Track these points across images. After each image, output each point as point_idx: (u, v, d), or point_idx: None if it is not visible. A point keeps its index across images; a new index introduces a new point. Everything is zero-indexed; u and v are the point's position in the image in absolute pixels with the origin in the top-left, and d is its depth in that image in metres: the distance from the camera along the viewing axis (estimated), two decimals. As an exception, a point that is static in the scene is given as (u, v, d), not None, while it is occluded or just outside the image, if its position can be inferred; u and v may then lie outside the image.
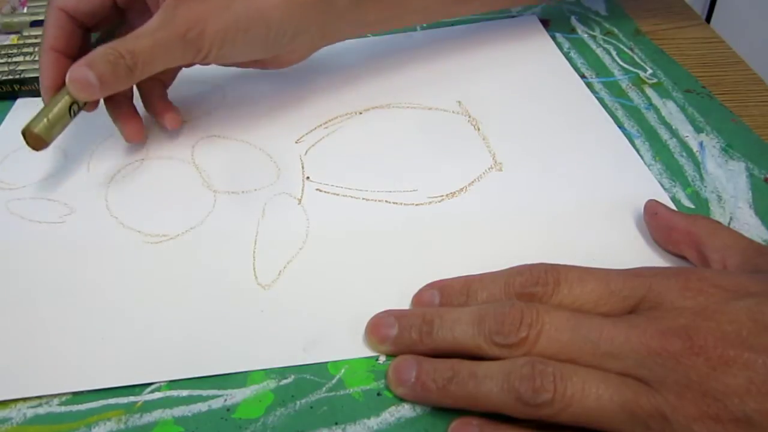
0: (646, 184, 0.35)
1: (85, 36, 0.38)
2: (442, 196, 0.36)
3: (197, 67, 0.47)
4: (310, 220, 0.35)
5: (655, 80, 0.43)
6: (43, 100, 0.36)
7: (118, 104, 0.39)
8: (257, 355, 0.28)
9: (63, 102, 0.35)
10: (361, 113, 0.42)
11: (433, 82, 0.44)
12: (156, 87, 0.41)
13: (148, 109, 0.41)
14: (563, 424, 0.23)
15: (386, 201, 0.36)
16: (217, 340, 0.29)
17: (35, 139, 0.35)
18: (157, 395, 0.27)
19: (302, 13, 0.37)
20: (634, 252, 0.32)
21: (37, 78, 0.44)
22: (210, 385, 0.27)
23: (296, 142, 0.40)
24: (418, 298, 0.29)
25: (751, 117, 0.40)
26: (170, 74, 0.42)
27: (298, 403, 0.26)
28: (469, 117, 0.41)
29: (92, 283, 0.32)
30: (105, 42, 0.35)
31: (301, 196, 0.36)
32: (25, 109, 0.44)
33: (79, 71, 0.34)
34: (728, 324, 0.22)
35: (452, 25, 0.50)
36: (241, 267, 0.32)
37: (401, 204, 0.35)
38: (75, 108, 0.36)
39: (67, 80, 0.34)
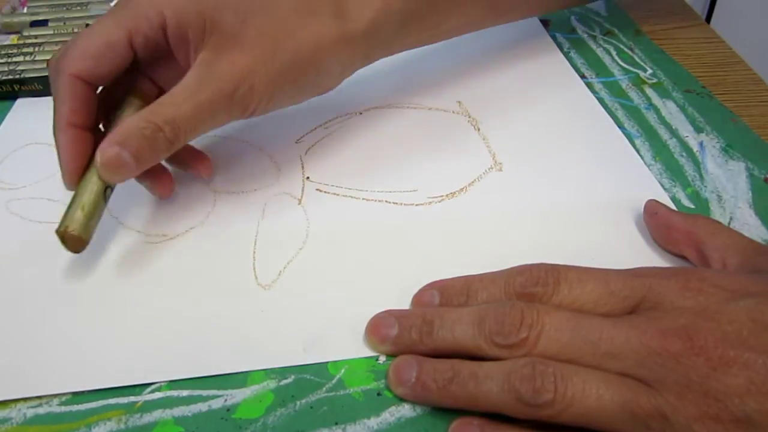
0: (646, 184, 0.35)
1: (97, 98, 0.32)
2: (442, 196, 0.36)
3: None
4: (310, 220, 0.35)
5: (655, 80, 0.43)
6: (65, 185, 0.31)
7: None
8: (257, 355, 0.28)
9: (95, 187, 0.30)
10: (361, 113, 0.42)
11: (433, 82, 0.44)
12: None
13: (172, 161, 0.36)
14: (564, 424, 0.23)
15: (386, 201, 0.36)
16: (217, 340, 0.29)
17: (74, 241, 0.30)
18: (157, 395, 0.27)
19: (351, 50, 0.34)
20: (634, 252, 0.32)
21: (37, 78, 0.45)
22: (210, 385, 0.27)
23: (296, 142, 0.40)
24: (418, 299, 0.29)
25: (751, 117, 0.40)
26: None
27: (298, 403, 0.26)
28: (469, 117, 0.41)
29: (92, 283, 0.32)
30: (120, 100, 0.32)
31: (301, 196, 0.36)
32: (25, 109, 0.44)
33: (111, 152, 0.29)
34: (728, 324, 0.22)
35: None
36: (241, 267, 0.32)
37: (401, 204, 0.35)
38: (109, 191, 0.31)
39: (98, 164, 0.29)
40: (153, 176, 0.34)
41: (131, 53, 0.31)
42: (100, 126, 0.34)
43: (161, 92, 0.34)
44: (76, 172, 0.31)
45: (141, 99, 0.33)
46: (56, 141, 0.31)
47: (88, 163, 0.31)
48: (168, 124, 0.29)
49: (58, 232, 0.30)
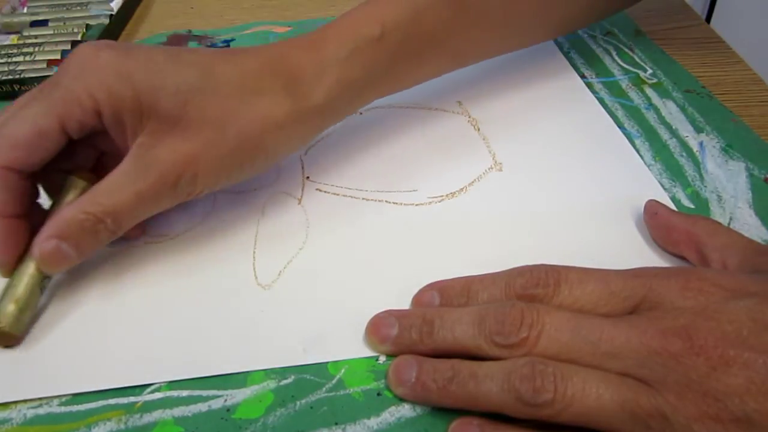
0: (646, 184, 0.35)
1: (33, 183, 0.31)
2: (442, 196, 0.36)
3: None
4: (310, 220, 0.35)
5: (655, 80, 0.43)
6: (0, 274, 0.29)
7: None
8: (257, 355, 0.28)
9: (31, 280, 0.28)
10: (361, 113, 0.42)
11: (433, 83, 0.44)
12: None
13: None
14: (563, 424, 0.23)
15: (386, 201, 0.36)
16: (217, 340, 0.29)
17: (5, 337, 0.28)
18: (157, 395, 0.27)
19: (304, 127, 0.32)
20: (634, 252, 0.32)
21: (37, 78, 0.45)
22: (210, 386, 0.27)
23: (296, 142, 0.40)
24: (418, 299, 0.29)
25: (751, 117, 0.40)
26: None
27: (298, 403, 0.26)
28: (469, 117, 0.41)
29: (92, 283, 0.32)
30: (60, 179, 0.30)
31: (301, 196, 0.36)
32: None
33: (50, 245, 0.28)
34: (728, 324, 0.22)
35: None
36: (241, 267, 0.32)
37: (401, 204, 0.35)
38: (46, 281, 0.29)
39: (36, 256, 0.28)
40: None
41: (65, 138, 0.29)
42: (43, 197, 0.32)
43: (108, 159, 0.32)
44: (11, 262, 0.29)
45: (83, 179, 0.31)
46: None
47: (24, 250, 0.29)
48: (109, 216, 0.28)
49: None
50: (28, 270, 0.28)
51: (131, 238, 0.33)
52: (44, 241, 0.28)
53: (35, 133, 0.28)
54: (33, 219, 0.30)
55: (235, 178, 0.32)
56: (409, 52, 0.35)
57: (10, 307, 0.28)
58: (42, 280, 0.29)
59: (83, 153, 0.32)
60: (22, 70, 0.45)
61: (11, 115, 0.29)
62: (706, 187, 0.35)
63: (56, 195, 0.31)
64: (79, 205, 0.28)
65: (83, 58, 0.29)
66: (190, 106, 0.29)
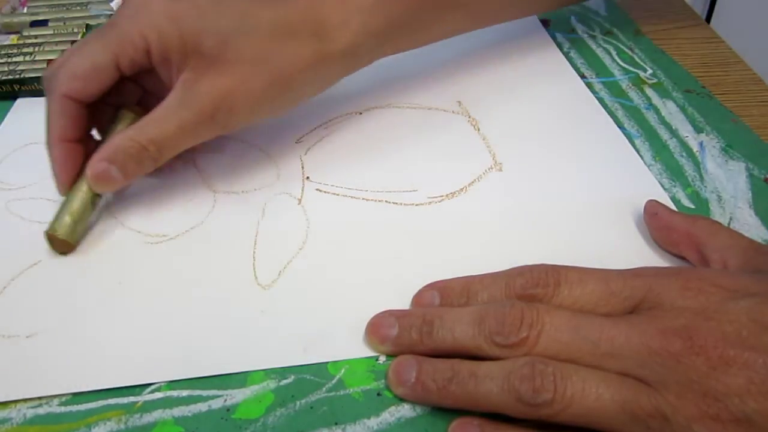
0: (646, 184, 0.35)
1: (90, 112, 0.34)
2: (442, 196, 0.36)
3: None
4: (310, 220, 0.35)
5: (655, 80, 0.43)
6: (59, 192, 0.34)
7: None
8: (257, 355, 0.28)
9: (85, 196, 0.33)
10: (361, 113, 0.42)
11: (433, 82, 0.44)
12: None
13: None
14: (563, 424, 0.23)
15: (386, 201, 0.36)
16: (217, 340, 0.29)
17: (61, 244, 0.33)
18: (157, 395, 0.27)
19: (329, 69, 0.36)
20: (634, 252, 0.32)
21: (37, 78, 0.44)
22: (210, 385, 0.27)
23: (296, 142, 0.40)
24: (418, 299, 0.29)
25: (751, 117, 0.40)
26: None
27: (298, 403, 0.26)
28: (469, 117, 0.41)
29: (92, 283, 0.32)
30: (113, 112, 0.34)
31: (301, 196, 0.36)
32: (25, 109, 0.44)
33: (100, 167, 0.32)
34: (728, 324, 0.22)
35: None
36: (241, 267, 0.32)
37: (401, 204, 0.35)
38: (97, 199, 0.34)
39: (88, 176, 0.32)
40: None
41: (118, 73, 0.33)
42: (94, 131, 0.36)
43: (150, 98, 0.36)
44: (68, 182, 0.33)
45: (133, 112, 0.34)
46: (49, 154, 0.33)
47: (79, 171, 0.33)
48: (152, 144, 0.32)
49: (46, 233, 0.32)
50: (82, 189, 0.33)
51: (176, 169, 0.38)
52: (96, 163, 0.32)
53: (92, 67, 0.32)
54: (88, 146, 0.34)
55: (265, 113, 0.35)
56: (430, 8, 0.38)
57: (66, 219, 0.32)
58: (93, 198, 0.33)
59: (130, 90, 0.36)
60: (22, 70, 0.45)
61: (74, 51, 0.33)
62: (706, 187, 0.35)
63: (108, 125, 0.35)
64: (127, 134, 0.32)
65: (137, 2, 0.33)
66: (229, 46, 0.32)
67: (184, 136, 0.33)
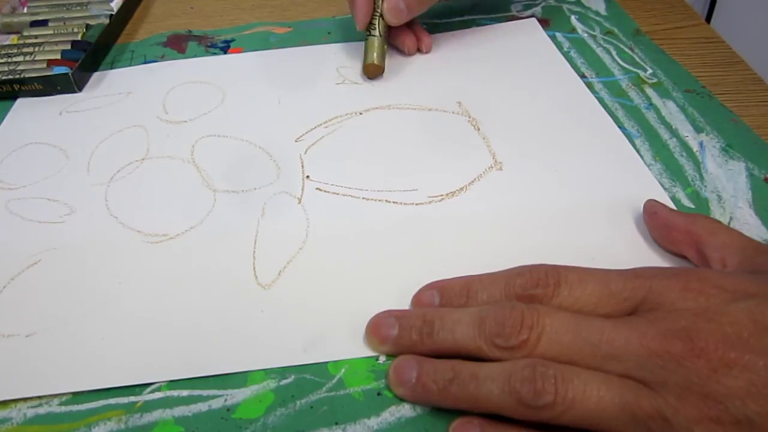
0: (646, 184, 0.35)
1: None
2: (442, 195, 0.36)
3: (197, 66, 0.47)
4: (310, 219, 0.35)
5: (655, 80, 0.43)
6: (357, 27, 0.44)
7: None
8: (257, 355, 0.28)
9: (381, 31, 0.43)
10: (361, 113, 0.42)
11: (433, 83, 0.44)
12: None
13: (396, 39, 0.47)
14: (564, 425, 0.23)
15: (386, 201, 0.36)
16: (217, 340, 0.29)
17: (375, 69, 0.44)
18: (157, 395, 0.27)
19: None
20: (634, 252, 0.32)
21: (37, 78, 0.44)
22: (210, 385, 0.27)
23: (296, 141, 0.40)
24: (418, 299, 0.29)
25: (751, 117, 0.40)
26: None
27: (298, 403, 0.26)
28: (469, 117, 0.41)
29: (92, 283, 0.32)
30: None
31: (301, 196, 0.36)
32: (25, 109, 0.44)
33: (394, 2, 0.43)
34: (729, 326, 0.22)
35: (450, 26, 0.50)
36: (241, 267, 0.32)
37: (401, 204, 0.35)
38: (387, 32, 0.44)
39: (384, 11, 0.43)
40: (403, 36, 0.46)
41: None
42: None
43: None
44: (366, 20, 0.44)
45: None
46: (351, 2, 0.44)
47: (372, 10, 0.44)
48: None
49: (365, 64, 0.44)
50: (376, 25, 0.44)
51: (424, 51, 0.47)
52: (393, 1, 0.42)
53: None
54: None
55: None
56: None
57: (376, 52, 0.43)
58: (386, 30, 0.44)
59: None
60: (22, 70, 0.45)
61: None
62: (706, 186, 0.35)
63: None
64: None
65: None
66: None
67: None
